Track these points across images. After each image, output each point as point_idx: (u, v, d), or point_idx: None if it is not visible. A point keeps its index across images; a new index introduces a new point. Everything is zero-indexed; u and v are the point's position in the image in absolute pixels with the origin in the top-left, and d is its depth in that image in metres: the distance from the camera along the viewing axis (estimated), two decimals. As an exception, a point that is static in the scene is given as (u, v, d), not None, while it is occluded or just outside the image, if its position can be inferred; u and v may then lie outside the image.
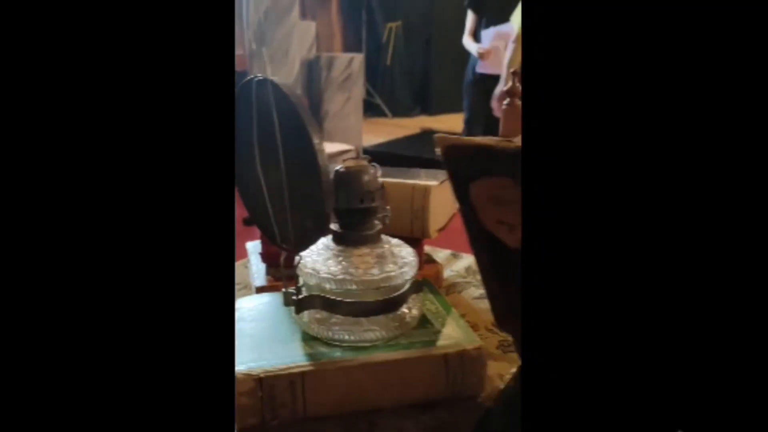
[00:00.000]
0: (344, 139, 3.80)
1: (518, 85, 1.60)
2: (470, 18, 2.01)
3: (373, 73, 5.45)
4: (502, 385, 0.58)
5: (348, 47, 5.33)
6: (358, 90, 4.10)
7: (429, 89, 5.43)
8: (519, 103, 1.44)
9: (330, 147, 3.26)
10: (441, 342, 0.56)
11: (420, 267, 0.78)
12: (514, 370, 0.60)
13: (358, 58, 4.04)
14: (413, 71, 5.64)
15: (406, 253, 0.57)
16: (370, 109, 5.44)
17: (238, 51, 3.59)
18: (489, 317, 0.60)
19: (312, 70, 3.90)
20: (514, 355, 0.63)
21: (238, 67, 3.67)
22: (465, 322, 0.60)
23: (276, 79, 0.45)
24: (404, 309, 0.57)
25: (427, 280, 0.71)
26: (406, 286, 0.56)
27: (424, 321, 0.60)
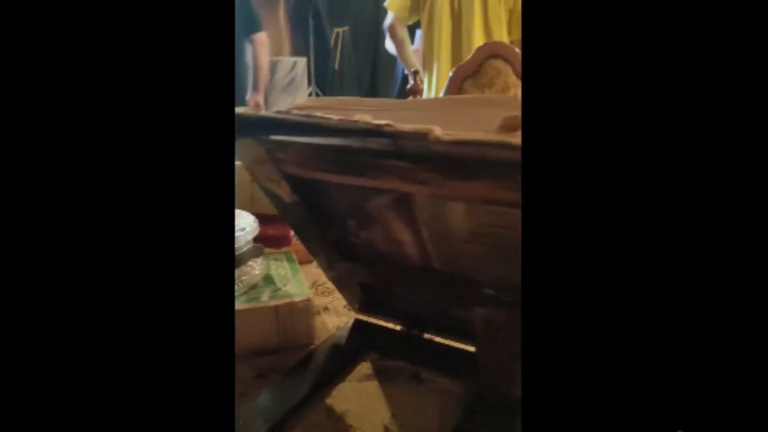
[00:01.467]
0: (290, 142, 3.86)
1: (420, 83, 1.71)
2: None
3: (322, 77, 5.51)
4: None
5: (297, 51, 5.38)
6: (303, 93, 4.17)
7: (377, 93, 5.53)
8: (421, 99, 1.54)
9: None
10: (278, 297, 0.64)
11: (289, 242, 0.87)
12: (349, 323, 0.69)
13: (302, 62, 4.11)
14: (361, 75, 5.72)
15: (245, 221, 0.65)
16: (320, 113, 5.48)
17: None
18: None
19: (256, 74, 3.95)
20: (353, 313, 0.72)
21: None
22: (306, 283, 0.69)
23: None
24: (245, 269, 0.65)
25: (290, 252, 0.79)
26: (245, 249, 0.64)
27: (269, 281, 0.68)
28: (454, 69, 1.62)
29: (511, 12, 1.55)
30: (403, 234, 0.48)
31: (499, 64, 1.54)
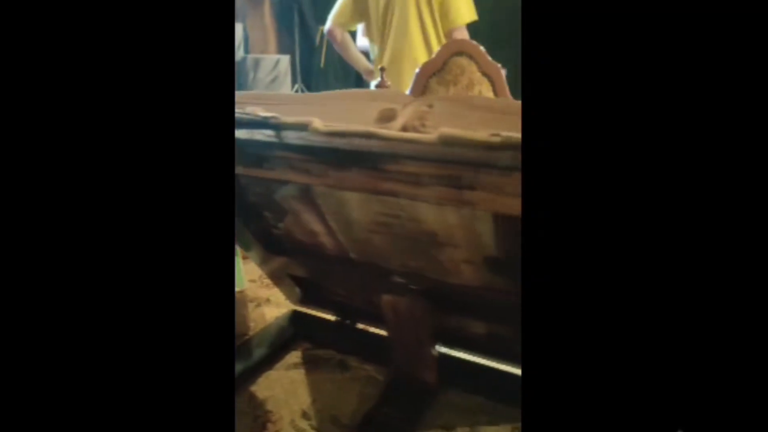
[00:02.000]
0: (274, 139, 3.87)
1: (387, 80, 1.72)
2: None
3: (307, 74, 5.52)
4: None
5: (283, 49, 5.37)
6: (286, 91, 4.17)
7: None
8: (386, 96, 1.56)
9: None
10: (213, 289, 0.65)
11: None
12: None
13: (285, 60, 4.10)
14: (346, 73, 5.73)
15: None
16: (305, 110, 5.48)
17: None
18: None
19: (239, 72, 3.95)
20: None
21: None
22: (244, 277, 0.70)
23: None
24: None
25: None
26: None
27: (208, 275, 0.69)
28: (420, 66, 1.63)
29: (441, 4, 1.62)
30: (314, 225, 0.49)
31: (463, 61, 1.55)
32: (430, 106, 0.36)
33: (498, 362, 0.56)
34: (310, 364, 0.61)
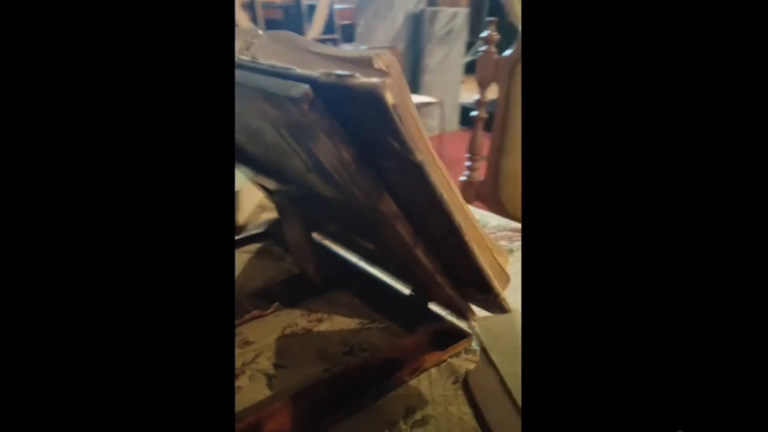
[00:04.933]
0: (442, 94, 3.97)
1: (493, 33, 1.71)
2: None
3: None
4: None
5: (476, 2, 5.32)
6: (460, 45, 4.19)
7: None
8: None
9: (415, 98, 3.39)
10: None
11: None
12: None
13: (462, 13, 4.12)
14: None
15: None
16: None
17: (346, 4, 3.93)
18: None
19: (416, 24, 4.09)
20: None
21: (343, 20, 3.98)
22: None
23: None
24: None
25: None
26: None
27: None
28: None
29: None
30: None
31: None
32: (255, 38, 0.46)
33: (385, 275, 0.65)
34: (261, 253, 0.76)
